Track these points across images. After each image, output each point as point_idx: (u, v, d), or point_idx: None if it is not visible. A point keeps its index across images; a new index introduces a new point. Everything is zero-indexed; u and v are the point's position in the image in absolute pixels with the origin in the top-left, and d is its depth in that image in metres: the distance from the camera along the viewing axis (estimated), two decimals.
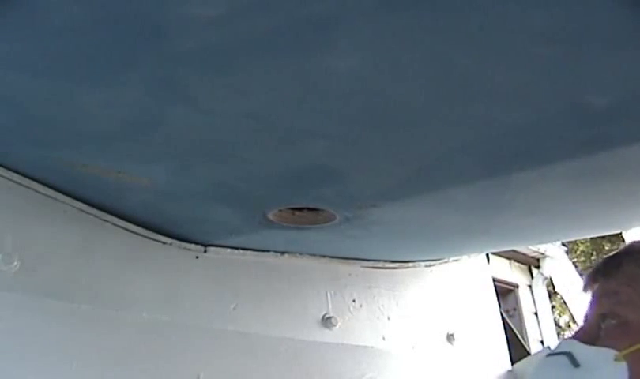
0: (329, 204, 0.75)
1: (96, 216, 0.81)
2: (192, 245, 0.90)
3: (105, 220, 0.82)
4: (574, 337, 0.90)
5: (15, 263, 0.71)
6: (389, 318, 1.08)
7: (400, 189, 0.72)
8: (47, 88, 0.54)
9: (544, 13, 0.40)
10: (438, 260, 1.21)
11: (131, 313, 0.78)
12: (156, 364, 0.77)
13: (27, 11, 0.43)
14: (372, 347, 0.93)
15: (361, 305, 1.01)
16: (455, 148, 0.61)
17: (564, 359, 0.79)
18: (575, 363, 0.80)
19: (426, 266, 1.19)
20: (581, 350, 0.83)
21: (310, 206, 0.75)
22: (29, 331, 0.68)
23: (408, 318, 1.12)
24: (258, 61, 0.47)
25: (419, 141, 0.60)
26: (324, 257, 0.96)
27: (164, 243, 0.87)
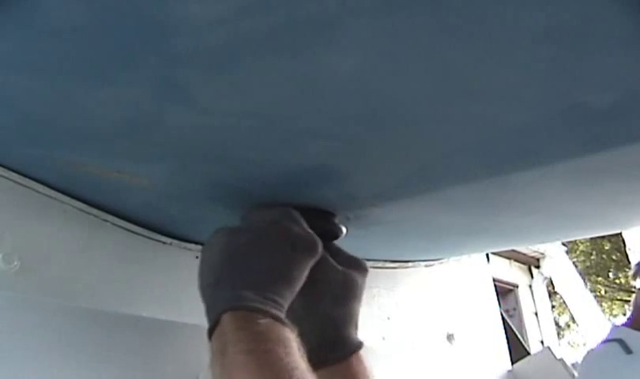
0: (329, 204, 0.75)
1: (96, 216, 0.81)
2: (192, 245, 0.90)
3: (105, 220, 0.82)
4: (625, 324, 0.90)
5: (15, 263, 0.71)
6: (389, 318, 1.08)
7: (400, 189, 0.72)
8: (47, 88, 0.54)
9: (543, 12, 0.40)
10: (438, 260, 1.21)
11: (131, 313, 0.78)
12: (156, 364, 0.77)
13: (27, 11, 0.43)
14: (372, 347, 0.93)
15: (361, 305, 1.01)
16: (455, 148, 0.61)
17: (616, 346, 0.79)
18: (628, 350, 0.80)
19: (426, 266, 1.19)
20: (634, 337, 0.83)
21: (310, 206, 0.74)
22: (29, 331, 0.68)
23: (408, 318, 1.12)
24: (258, 61, 0.47)
25: (419, 141, 0.60)
26: None
27: (164, 243, 0.87)
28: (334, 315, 0.71)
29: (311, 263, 0.67)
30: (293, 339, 0.58)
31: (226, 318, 0.59)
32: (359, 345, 0.73)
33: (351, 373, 0.69)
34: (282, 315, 0.60)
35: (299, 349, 0.57)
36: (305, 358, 0.57)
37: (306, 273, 0.66)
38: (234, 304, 0.59)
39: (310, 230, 0.69)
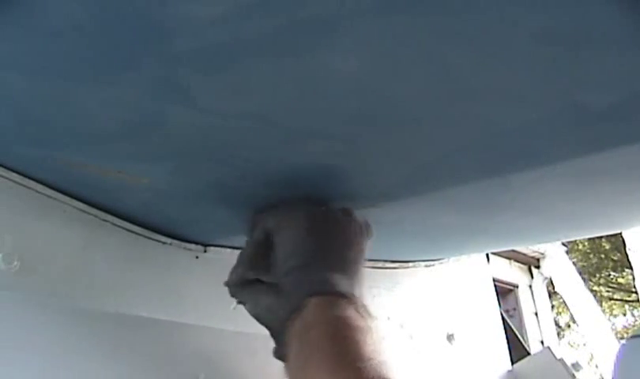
0: (329, 204, 0.75)
1: (96, 216, 0.81)
2: (192, 245, 0.90)
3: (105, 220, 0.82)
4: None
5: (15, 263, 0.71)
6: (389, 318, 1.08)
7: (400, 189, 0.72)
8: (47, 88, 0.54)
9: (542, 12, 0.40)
10: (438, 260, 1.21)
11: (131, 313, 0.78)
12: (156, 364, 0.77)
13: (27, 11, 0.43)
14: None
15: None
16: (455, 148, 0.61)
17: None
18: None
19: (426, 266, 1.19)
20: None
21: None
22: (29, 331, 0.68)
23: (408, 318, 1.12)
24: (258, 61, 0.47)
25: (419, 141, 0.60)
26: None
27: (164, 243, 0.87)
28: None
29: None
30: (375, 330, 0.59)
31: (312, 302, 0.59)
32: None
33: None
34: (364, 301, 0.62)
35: (380, 340, 0.58)
36: (386, 350, 0.58)
37: None
38: (323, 288, 0.60)
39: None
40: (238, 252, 0.73)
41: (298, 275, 0.63)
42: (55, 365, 0.68)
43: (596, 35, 0.42)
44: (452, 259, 1.24)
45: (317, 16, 0.41)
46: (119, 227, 0.83)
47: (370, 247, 0.72)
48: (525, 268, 4.90)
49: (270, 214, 0.71)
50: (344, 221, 0.69)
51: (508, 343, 1.30)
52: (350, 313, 0.58)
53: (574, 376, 1.15)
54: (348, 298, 0.60)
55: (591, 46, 0.44)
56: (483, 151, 0.61)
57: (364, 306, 0.61)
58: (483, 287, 1.34)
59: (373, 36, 0.43)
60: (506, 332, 1.34)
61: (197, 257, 0.90)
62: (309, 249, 0.64)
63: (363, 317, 0.59)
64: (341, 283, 0.61)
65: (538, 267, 4.92)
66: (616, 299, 9.92)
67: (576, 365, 1.28)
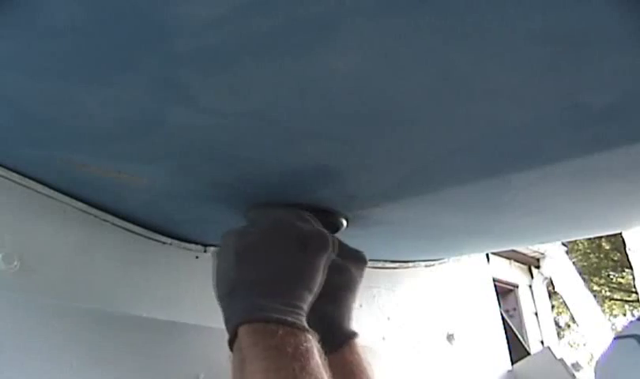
0: (329, 204, 0.75)
1: (96, 216, 0.81)
2: (192, 245, 0.90)
3: (105, 220, 0.82)
4: None
5: (15, 263, 0.71)
6: (389, 318, 1.08)
7: (400, 189, 0.72)
8: (47, 88, 0.54)
9: (542, 13, 0.40)
10: (438, 260, 1.21)
11: (131, 313, 0.78)
12: (156, 364, 0.77)
13: (27, 11, 0.43)
14: (372, 347, 0.93)
15: (361, 306, 1.01)
16: (455, 148, 0.61)
17: (633, 342, 0.80)
18: None
19: (426, 266, 1.19)
20: None
21: (310, 204, 0.74)
22: (29, 331, 0.68)
23: (408, 318, 1.12)
24: (258, 61, 0.47)
25: (419, 141, 0.60)
26: None
27: (164, 243, 0.87)
28: (326, 310, 0.70)
29: (325, 259, 0.66)
30: (311, 348, 0.57)
31: (242, 331, 0.58)
32: (352, 335, 0.72)
33: (343, 364, 0.68)
34: (300, 320, 0.60)
35: (320, 356, 0.57)
36: (326, 364, 0.57)
37: (321, 270, 0.66)
38: (248, 316, 0.58)
39: (319, 227, 0.69)
40: None
41: (226, 304, 0.63)
42: (55, 364, 0.68)
43: (595, 35, 0.42)
44: (452, 259, 1.24)
45: (316, 15, 0.41)
46: (119, 226, 0.83)
47: (328, 263, 0.67)
48: (525, 268, 4.90)
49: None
50: (280, 238, 0.65)
51: (508, 343, 1.30)
52: (284, 339, 0.56)
53: (574, 376, 1.15)
54: (279, 322, 0.57)
55: (591, 46, 0.44)
56: (483, 151, 0.61)
57: (297, 325, 0.58)
58: (483, 287, 1.34)
59: (372, 36, 0.43)
60: (506, 332, 1.34)
61: (197, 257, 0.91)
62: (234, 273, 0.63)
63: (299, 339, 0.57)
64: (271, 306, 0.59)
65: (538, 267, 4.92)
66: (616, 299, 9.92)
67: (576, 365, 1.28)
